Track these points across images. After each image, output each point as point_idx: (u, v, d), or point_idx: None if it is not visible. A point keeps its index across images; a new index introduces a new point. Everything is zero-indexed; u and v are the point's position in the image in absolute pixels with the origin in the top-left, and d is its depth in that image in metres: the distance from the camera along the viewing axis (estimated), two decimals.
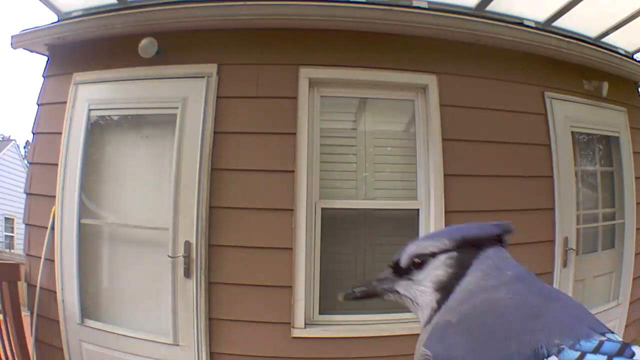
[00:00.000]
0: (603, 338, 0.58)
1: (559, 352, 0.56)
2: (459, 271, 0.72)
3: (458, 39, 2.95)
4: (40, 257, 2.96)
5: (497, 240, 0.75)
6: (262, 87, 2.81)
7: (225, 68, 2.84)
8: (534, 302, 0.65)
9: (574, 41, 3.19)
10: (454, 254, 0.73)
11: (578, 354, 0.56)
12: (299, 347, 2.67)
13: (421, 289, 0.75)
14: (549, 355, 0.56)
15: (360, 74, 2.89)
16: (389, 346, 2.66)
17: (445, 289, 0.72)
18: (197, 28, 2.87)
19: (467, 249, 0.73)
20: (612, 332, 0.61)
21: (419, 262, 0.75)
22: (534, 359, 0.56)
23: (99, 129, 3.10)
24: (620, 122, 3.61)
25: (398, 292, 0.78)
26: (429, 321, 0.73)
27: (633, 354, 0.56)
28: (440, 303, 0.72)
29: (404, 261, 0.78)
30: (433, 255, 0.74)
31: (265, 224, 2.75)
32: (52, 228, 2.95)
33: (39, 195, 3.10)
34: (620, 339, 0.59)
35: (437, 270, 0.73)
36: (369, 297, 0.82)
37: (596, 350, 0.56)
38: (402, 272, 0.78)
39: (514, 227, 0.75)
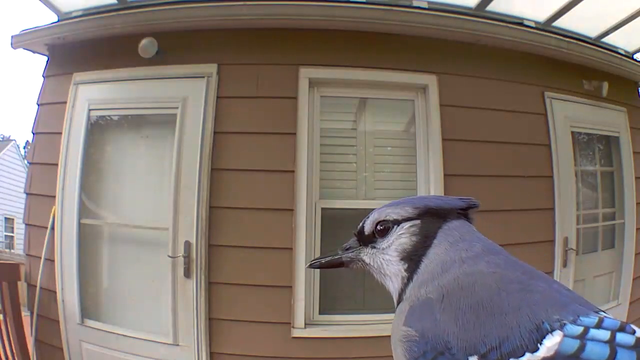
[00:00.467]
0: (601, 314, 0.57)
1: (561, 327, 0.54)
2: (424, 240, 0.71)
3: (458, 39, 2.95)
4: (40, 257, 2.96)
5: (463, 214, 0.73)
6: (262, 87, 2.81)
7: (225, 68, 2.84)
8: (519, 277, 0.62)
9: (574, 41, 3.19)
10: (417, 222, 0.72)
11: (582, 329, 0.54)
12: (299, 347, 2.67)
13: (386, 258, 0.73)
14: (552, 330, 0.54)
15: (360, 74, 2.89)
16: (389, 346, 2.66)
17: (410, 259, 0.71)
18: (197, 28, 2.87)
19: (431, 219, 0.71)
20: (604, 312, 0.60)
21: (382, 229, 0.74)
22: (537, 333, 0.55)
23: (99, 129, 3.10)
24: (620, 122, 3.61)
25: (364, 261, 0.77)
26: (400, 294, 0.71)
27: (634, 331, 0.55)
28: (410, 273, 0.70)
29: (367, 228, 0.77)
30: (396, 222, 0.73)
31: (265, 224, 2.75)
32: (52, 228, 2.95)
33: (39, 195, 3.10)
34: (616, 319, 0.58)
35: (400, 238, 0.72)
36: (334, 266, 0.81)
37: (598, 326, 0.54)
38: (366, 240, 0.77)
39: (479, 203, 0.74)
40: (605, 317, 0.57)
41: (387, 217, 0.74)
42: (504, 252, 0.69)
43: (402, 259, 0.72)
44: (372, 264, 0.76)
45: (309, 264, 0.81)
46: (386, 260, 0.74)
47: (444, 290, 0.64)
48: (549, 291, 0.61)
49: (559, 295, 0.60)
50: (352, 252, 0.79)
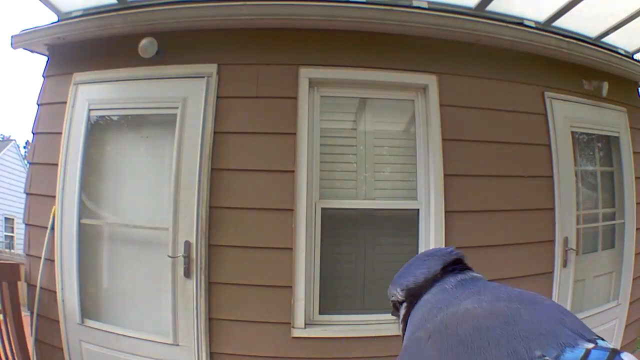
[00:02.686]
0: (589, 345, 0.55)
1: None
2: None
3: (458, 39, 2.95)
4: (40, 257, 2.96)
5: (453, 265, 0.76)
6: (262, 87, 2.81)
7: (225, 68, 2.84)
8: (505, 308, 0.61)
9: (574, 41, 3.19)
10: (405, 304, 0.79)
11: None
12: (299, 347, 2.67)
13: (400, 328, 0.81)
14: None
15: (360, 74, 2.89)
16: (389, 346, 2.66)
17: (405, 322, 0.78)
18: (197, 28, 2.87)
19: (412, 298, 0.78)
20: (600, 338, 0.57)
21: (393, 306, 0.82)
22: None
23: (99, 129, 3.10)
24: (620, 122, 3.61)
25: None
26: None
27: None
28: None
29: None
30: (400, 303, 0.80)
31: (265, 224, 2.75)
32: (52, 228, 2.95)
33: (39, 195, 3.10)
34: (609, 345, 0.55)
35: (400, 317, 0.80)
36: None
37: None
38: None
39: (459, 253, 0.77)
40: (595, 348, 0.54)
41: (392, 298, 0.82)
42: (495, 287, 0.70)
43: (403, 329, 0.79)
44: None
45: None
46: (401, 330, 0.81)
47: (431, 330, 0.66)
48: (536, 320, 0.59)
49: (548, 323, 0.58)
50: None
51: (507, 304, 0.63)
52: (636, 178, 3.59)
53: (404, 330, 0.78)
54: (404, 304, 0.79)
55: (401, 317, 0.79)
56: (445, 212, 2.80)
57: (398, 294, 0.79)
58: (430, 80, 2.92)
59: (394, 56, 2.92)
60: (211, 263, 2.72)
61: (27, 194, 3.18)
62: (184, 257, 2.71)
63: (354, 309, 2.86)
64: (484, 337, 0.58)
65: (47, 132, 3.13)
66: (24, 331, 2.89)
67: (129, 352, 2.78)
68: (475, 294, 0.68)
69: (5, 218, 14.72)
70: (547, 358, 0.53)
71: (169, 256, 2.74)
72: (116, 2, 2.91)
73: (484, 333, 0.58)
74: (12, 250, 12.19)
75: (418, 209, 2.86)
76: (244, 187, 2.77)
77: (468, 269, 0.76)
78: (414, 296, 0.76)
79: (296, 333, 2.68)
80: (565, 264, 3.11)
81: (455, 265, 0.76)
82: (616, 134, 3.60)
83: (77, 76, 3.04)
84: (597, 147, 3.74)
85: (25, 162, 12.11)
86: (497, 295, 0.66)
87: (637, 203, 3.57)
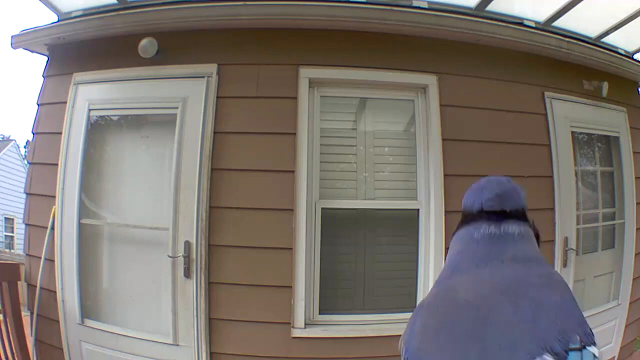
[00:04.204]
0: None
1: None
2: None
3: (458, 39, 2.95)
4: (40, 257, 2.96)
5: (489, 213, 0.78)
6: (262, 87, 2.81)
7: (225, 68, 2.84)
8: (487, 301, 0.63)
9: (574, 41, 3.19)
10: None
11: None
12: (299, 347, 2.67)
13: None
14: None
15: (360, 74, 2.89)
16: (389, 346, 2.65)
17: None
18: (197, 28, 2.87)
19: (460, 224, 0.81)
20: (579, 343, 0.56)
21: None
22: None
23: (99, 129, 3.10)
24: (620, 122, 3.61)
25: None
26: None
27: None
28: None
29: None
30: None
31: (265, 224, 2.75)
32: (52, 228, 2.95)
33: (39, 195, 3.10)
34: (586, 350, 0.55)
35: None
36: None
37: None
38: None
39: (497, 205, 0.79)
40: None
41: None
42: (506, 254, 0.71)
43: None
44: None
45: None
46: None
47: (428, 298, 0.70)
48: (506, 323, 0.59)
49: (516, 331, 0.58)
50: None
51: (493, 295, 0.64)
52: (636, 178, 3.59)
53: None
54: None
55: None
56: (445, 212, 2.80)
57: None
58: (430, 80, 2.92)
59: (394, 56, 2.92)
60: (211, 263, 2.72)
61: (27, 194, 3.18)
62: (184, 257, 2.71)
63: (354, 309, 2.86)
64: (451, 331, 0.61)
65: (47, 132, 3.13)
66: (24, 331, 2.89)
67: (129, 352, 2.78)
68: (482, 265, 0.69)
69: (5, 218, 14.72)
70: None
71: (169, 256, 2.74)
72: (116, 2, 2.91)
73: (454, 327, 0.62)
74: (12, 250, 12.19)
75: (418, 209, 2.86)
76: (244, 187, 2.77)
77: (509, 216, 0.77)
78: (461, 221, 0.80)
79: (296, 333, 2.68)
80: (565, 264, 3.11)
81: (497, 213, 0.77)
82: (616, 134, 3.60)
83: (77, 76, 3.04)
84: (597, 147, 3.74)
85: (25, 162, 12.10)
86: (498, 276, 0.67)
87: (637, 203, 3.57)
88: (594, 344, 0.60)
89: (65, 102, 3.02)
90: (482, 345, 0.58)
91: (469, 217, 0.78)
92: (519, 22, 3.06)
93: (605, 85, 3.33)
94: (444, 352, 0.59)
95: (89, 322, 2.88)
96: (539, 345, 0.56)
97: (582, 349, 0.58)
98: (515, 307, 0.61)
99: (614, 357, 3.38)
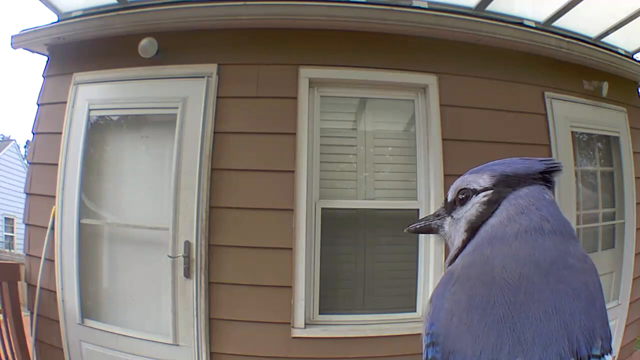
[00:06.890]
0: None
1: None
2: (488, 211, 0.67)
3: (458, 39, 2.95)
4: (40, 257, 2.96)
5: (543, 178, 0.69)
6: (262, 87, 2.81)
7: (225, 68, 2.84)
8: (518, 289, 0.57)
9: (574, 41, 3.19)
10: (490, 192, 0.69)
11: None
12: (299, 347, 2.67)
13: (457, 228, 0.71)
14: None
15: (360, 74, 2.89)
16: (389, 346, 2.66)
17: (472, 230, 0.68)
18: (197, 28, 2.87)
19: (502, 187, 0.68)
20: (600, 349, 0.54)
21: (462, 198, 0.72)
22: None
23: (99, 129, 3.10)
24: (620, 122, 3.61)
25: (444, 229, 0.75)
26: (450, 262, 0.69)
27: None
28: (465, 244, 0.68)
29: (450, 196, 0.74)
30: (475, 192, 0.70)
31: (265, 224, 2.75)
32: (52, 228, 2.95)
33: (39, 195, 3.10)
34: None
35: (471, 209, 0.70)
36: (426, 232, 0.79)
37: None
38: (449, 207, 0.75)
39: (561, 164, 0.71)
40: None
41: (468, 186, 0.72)
42: (552, 233, 0.63)
43: (466, 230, 0.69)
44: (447, 233, 0.74)
45: (406, 229, 0.80)
46: (456, 231, 0.72)
47: (460, 271, 0.62)
48: (545, 313, 0.55)
49: (557, 321, 0.55)
50: (440, 219, 0.76)
51: (534, 276, 0.58)
52: (636, 178, 3.59)
53: (468, 227, 0.68)
54: (481, 195, 0.69)
55: (477, 202, 0.69)
56: None
57: (480, 181, 0.70)
58: (430, 80, 2.92)
59: (394, 56, 2.92)
60: (211, 263, 2.72)
61: (27, 194, 3.18)
62: (184, 257, 2.71)
63: (354, 309, 2.86)
64: (483, 315, 0.56)
65: (47, 132, 3.13)
66: (24, 331, 2.89)
67: (129, 352, 2.78)
68: (523, 235, 0.61)
69: (5, 218, 14.72)
70: None
71: (169, 256, 2.74)
72: (116, 2, 2.91)
73: (487, 310, 0.56)
74: (12, 250, 12.19)
75: (418, 209, 2.86)
76: (244, 187, 2.77)
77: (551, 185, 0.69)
78: (507, 187, 0.67)
79: (296, 333, 2.68)
80: None
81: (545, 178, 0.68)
82: (616, 134, 3.60)
83: (77, 76, 3.04)
84: (597, 147, 3.74)
85: (25, 162, 12.10)
86: (539, 251, 0.60)
87: (637, 203, 3.56)
88: (611, 351, 0.57)
89: (65, 102, 3.02)
90: (517, 335, 0.54)
91: (514, 183, 0.67)
92: (519, 22, 3.06)
93: (605, 85, 3.33)
94: (476, 339, 0.54)
95: (89, 322, 2.88)
96: (570, 346, 0.54)
97: (601, 356, 0.55)
98: (554, 295, 0.56)
99: (614, 357, 3.38)
